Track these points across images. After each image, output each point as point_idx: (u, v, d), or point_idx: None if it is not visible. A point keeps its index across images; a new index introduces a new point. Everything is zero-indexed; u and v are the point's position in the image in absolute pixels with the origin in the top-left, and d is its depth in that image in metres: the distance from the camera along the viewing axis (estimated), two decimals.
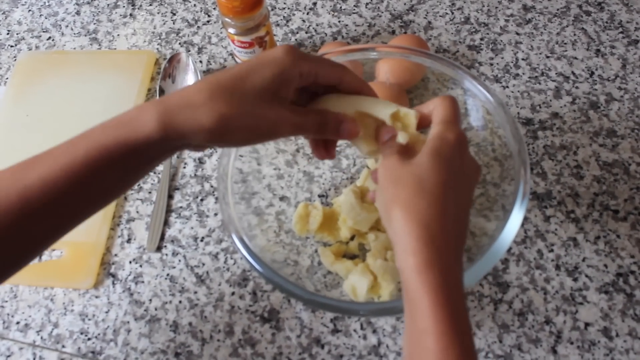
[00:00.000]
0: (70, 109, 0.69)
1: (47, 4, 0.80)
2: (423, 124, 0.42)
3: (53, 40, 0.77)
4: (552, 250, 0.56)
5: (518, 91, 0.66)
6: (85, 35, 0.76)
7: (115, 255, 0.59)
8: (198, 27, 0.75)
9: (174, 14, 0.77)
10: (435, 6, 0.74)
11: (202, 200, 0.62)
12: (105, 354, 0.54)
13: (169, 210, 0.61)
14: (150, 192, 0.63)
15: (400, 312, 0.44)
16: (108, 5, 0.79)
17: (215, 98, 0.36)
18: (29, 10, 0.80)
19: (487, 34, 0.71)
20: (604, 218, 0.57)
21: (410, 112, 0.41)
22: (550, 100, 0.65)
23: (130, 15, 0.78)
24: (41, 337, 0.55)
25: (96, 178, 0.36)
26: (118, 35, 0.76)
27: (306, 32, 0.73)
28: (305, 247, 0.56)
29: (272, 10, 0.76)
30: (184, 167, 0.64)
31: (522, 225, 0.45)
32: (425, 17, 0.73)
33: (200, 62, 0.72)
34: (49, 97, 0.70)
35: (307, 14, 0.75)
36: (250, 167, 0.55)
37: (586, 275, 0.54)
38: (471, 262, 0.45)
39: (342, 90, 0.42)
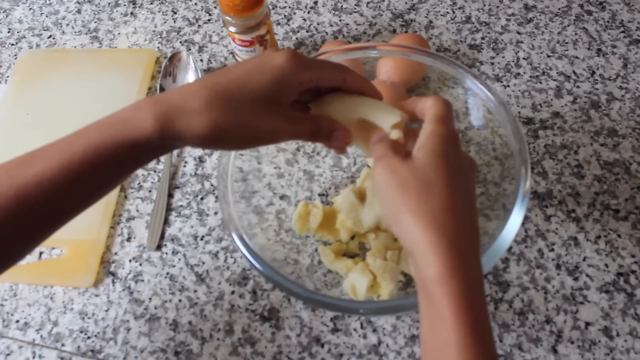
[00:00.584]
0: (71, 108, 0.69)
1: (48, 2, 0.80)
2: (417, 117, 0.42)
3: (54, 38, 0.77)
4: (552, 250, 0.56)
5: (519, 90, 0.66)
6: (86, 34, 0.76)
7: (115, 253, 0.59)
8: (199, 25, 0.75)
9: (175, 13, 0.77)
10: (436, 5, 0.74)
11: (202, 199, 0.61)
12: (105, 353, 0.54)
13: (169, 209, 0.61)
14: (150, 191, 0.62)
15: (401, 311, 0.44)
16: (109, 3, 0.79)
17: (211, 106, 0.36)
18: (30, 9, 0.80)
19: (488, 33, 0.71)
20: (605, 217, 0.57)
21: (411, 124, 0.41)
22: (551, 100, 0.65)
23: (131, 13, 0.78)
24: (41, 336, 0.55)
25: (92, 175, 0.36)
26: (119, 33, 0.76)
27: (307, 31, 0.73)
28: (305, 245, 0.56)
29: (273, 9, 0.76)
30: (184, 166, 0.64)
31: (523, 224, 0.45)
32: (426, 16, 0.73)
33: (201, 60, 0.72)
34: (49, 96, 0.70)
35: (308, 12, 0.75)
36: (250, 166, 0.55)
37: (587, 275, 0.54)
38: None
39: (346, 90, 0.42)
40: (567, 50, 0.69)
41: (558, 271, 0.54)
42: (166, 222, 0.60)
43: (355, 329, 0.53)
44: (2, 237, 0.35)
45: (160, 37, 0.75)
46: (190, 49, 0.73)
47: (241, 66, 0.38)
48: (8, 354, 0.54)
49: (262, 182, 0.58)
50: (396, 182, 0.36)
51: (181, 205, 0.61)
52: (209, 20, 0.76)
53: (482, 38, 0.71)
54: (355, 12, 0.75)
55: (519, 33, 0.71)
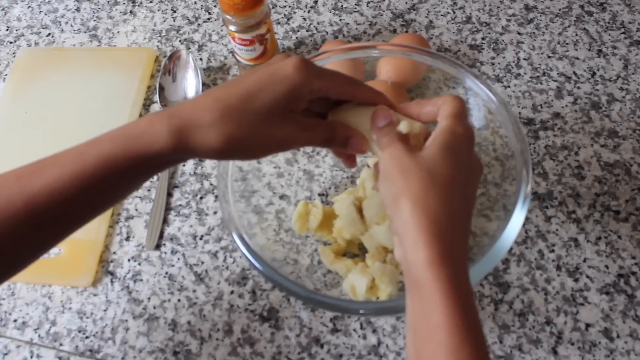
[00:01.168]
0: (70, 106, 0.69)
1: (46, 0, 0.80)
2: (426, 119, 0.41)
3: (52, 36, 0.76)
4: (553, 251, 0.55)
5: (519, 91, 0.66)
6: (85, 32, 0.76)
7: (114, 253, 0.59)
8: (198, 24, 0.75)
9: (175, 11, 0.77)
10: (436, 5, 0.74)
11: (201, 198, 0.61)
12: (103, 353, 0.53)
13: (168, 208, 0.61)
14: (149, 190, 0.62)
15: (401, 311, 0.43)
16: (108, 2, 0.79)
17: (225, 119, 0.36)
18: (29, 7, 0.80)
19: (489, 33, 0.71)
20: (605, 219, 0.57)
21: (422, 130, 0.41)
22: (552, 101, 0.65)
23: (130, 12, 0.77)
24: (39, 335, 0.54)
25: (103, 187, 0.36)
26: (118, 32, 0.76)
27: (307, 30, 0.73)
28: (305, 245, 0.56)
29: (273, 8, 0.76)
30: (184, 165, 0.63)
31: (523, 225, 0.45)
32: (426, 16, 0.73)
33: (201, 59, 0.72)
34: (48, 94, 0.70)
35: (308, 12, 0.75)
36: (250, 166, 0.55)
37: (587, 276, 0.54)
38: (472, 262, 0.44)
39: (357, 101, 0.42)
40: (568, 51, 0.69)
41: (558, 272, 0.54)
42: (165, 221, 0.60)
43: (355, 330, 0.53)
44: (12, 245, 0.35)
45: (160, 36, 0.74)
46: (189, 48, 0.73)
47: (251, 76, 0.38)
48: (6, 354, 0.54)
49: (261, 181, 0.57)
50: (399, 167, 0.36)
51: (180, 205, 0.61)
52: (208, 18, 0.76)
53: (483, 38, 0.71)
54: (355, 11, 0.75)
55: (519, 33, 0.71)
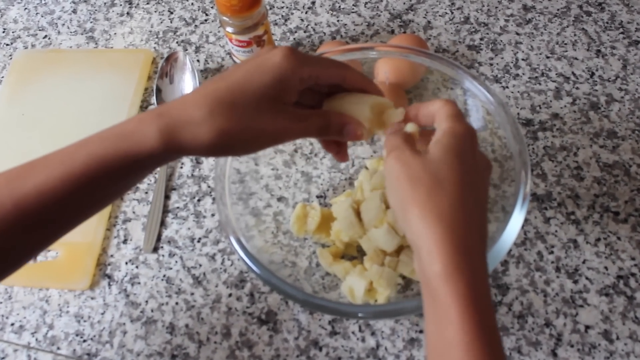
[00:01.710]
0: (67, 108, 0.68)
1: (43, 2, 0.80)
2: (421, 122, 0.41)
3: (49, 38, 0.76)
4: (552, 252, 0.55)
5: (518, 92, 0.66)
6: (82, 34, 0.76)
7: (111, 256, 0.58)
8: (195, 25, 0.75)
9: (172, 13, 0.76)
10: (434, 6, 0.74)
11: (199, 200, 0.61)
12: (101, 356, 0.53)
13: (165, 211, 0.60)
14: (146, 193, 0.62)
15: (400, 315, 0.43)
16: (105, 3, 0.79)
17: (214, 113, 0.35)
18: (25, 9, 0.79)
19: (487, 34, 0.71)
20: (605, 220, 0.57)
21: (396, 111, 0.41)
22: (551, 101, 0.65)
23: (127, 13, 0.77)
24: (36, 339, 0.54)
25: (94, 187, 0.36)
26: (115, 33, 0.75)
27: (305, 31, 0.73)
28: (303, 248, 0.56)
29: (271, 9, 0.75)
30: (181, 167, 0.63)
31: (522, 226, 0.45)
32: (424, 17, 0.73)
33: (198, 61, 0.71)
34: (45, 96, 0.70)
35: (306, 12, 0.75)
36: (247, 168, 0.55)
37: (586, 278, 0.54)
38: None
39: (347, 88, 0.42)
40: (566, 51, 0.69)
41: (557, 274, 0.54)
42: (163, 224, 0.60)
43: (353, 332, 0.52)
44: (2, 247, 0.35)
45: (157, 37, 0.74)
46: (187, 50, 0.73)
47: (239, 68, 0.37)
48: (3, 358, 0.53)
49: (259, 183, 0.57)
50: (406, 175, 0.35)
51: (178, 207, 0.61)
52: (205, 20, 0.75)
53: (481, 39, 0.70)
54: (353, 12, 0.74)
55: (517, 34, 0.71)
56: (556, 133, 0.62)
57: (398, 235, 0.50)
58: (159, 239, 0.59)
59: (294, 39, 0.72)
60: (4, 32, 0.77)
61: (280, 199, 0.58)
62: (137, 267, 0.57)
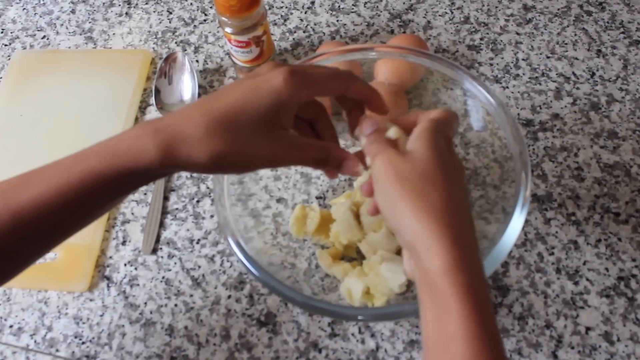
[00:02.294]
0: (65, 109, 0.68)
1: (41, 2, 0.80)
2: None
3: (48, 39, 0.76)
4: (552, 254, 0.55)
5: (518, 92, 0.65)
6: (81, 34, 0.76)
7: (110, 257, 0.58)
8: (194, 26, 0.75)
9: (170, 13, 0.76)
10: (434, 5, 0.74)
11: (198, 201, 0.61)
12: (100, 358, 0.53)
13: (164, 212, 0.60)
14: (145, 194, 0.62)
15: (399, 317, 0.43)
16: (103, 3, 0.78)
17: (210, 135, 0.35)
18: (24, 9, 0.79)
19: (487, 33, 0.71)
20: (605, 221, 0.56)
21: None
22: (551, 101, 0.64)
23: (126, 14, 0.77)
24: (35, 341, 0.54)
25: (89, 200, 0.36)
26: (114, 34, 0.75)
27: (304, 32, 0.73)
28: (302, 249, 0.56)
29: (270, 9, 0.75)
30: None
31: (522, 227, 0.45)
32: (424, 17, 0.73)
33: (197, 61, 0.71)
34: (43, 97, 0.69)
35: (305, 12, 0.74)
36: None
37: (587, 279, 0.54)
38: None
39: (350, 98, 0.42)
40: (567, 51, 0.68)
41: (558, 275, 0.54)
42: (162, 225, 0.59)
43: (353, 334, 0.52)
44: None
45: (156, 38, 0.74)
46: (186, 50, 0.72)
47: (237, 88, 0.37)
48: None
49: (258, 184, 0.57)
50: (394, 175, 0.35)
51: (177, 209, 0.60)
52: (204, 20, 0.75)
53: (481, 39, 0.70)
54: (352, 12, 0.74)
55: (518, 34, 0.70)
56: (556, 133, 0.62)
57: (397, 240, 0.50)
58: (157, 240, 0.59)
59: (293, 39, 0.72)
60: (2, 32, 0.77)
61: (279, 200, 0.58)
62: (136, 268, 0.57)
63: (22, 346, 0.54)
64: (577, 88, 0.65)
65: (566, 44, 0.69)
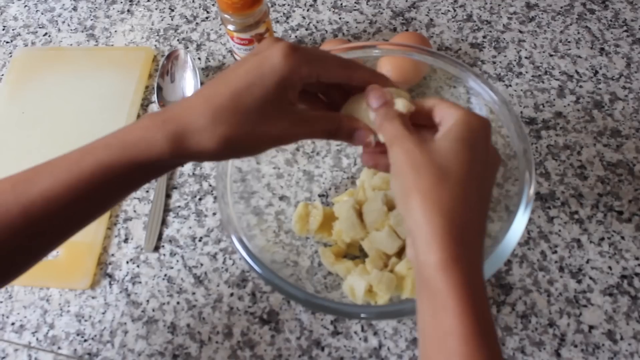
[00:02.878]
0: (67, 106, 0.68)
1: None
2: (420, 120, 0.40)
3: (49, 36, 0.75)
4: (555, 252, 0.55)
5: (521, 90, 0.65)
6: (82, 32, 0.75)
7: (112, 255, 0.58)
8: (197, 23, 0.74)
9: (172, 10, 0.76)
10: (437, 3, 0.74)
11: (200, 199, 0.61)
12: (102, 356, 0.53)
13: (166, 210, 0.60)
14: (147, 191, 0.62)
15: (402, 315, 0.43)
16: (105, 1, 0.78)
17: (216, 122, 0.35)
18: (25, 6, 0.79)
19: (490, 31, 0.70)
20: (608, 219, 0.56)
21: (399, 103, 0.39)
22: (554, 100, 0.64)
23: (128, 11, 0.77)
24: (37, 339, 0.54)
25: (99, 193, 0.36)
26: (115, 31, 0.75)
27: (306, 29, 0.72)
28: (305, 247, 0.56)
29: (272, 6, 0.75)
30: (182, 166, 0.63)
31: (525, 226, 0.44)
32: (427, 15, 0.73)
33: (199, 59, 0.71)
34: (45, 94, 0.69)
35: (308, 10, 0.74)
36: (249, 166, 0.54)
37: (590, 277, 0.54)
38: None
39: (355, 87, 0.41)
40: (570, 49, 0.68)
41: (561, 274, 0.54)
42: (164, 223, 0.59)
43: (355, 332, 0.52)
44: (8, 252, 0.35)
45: (158, 35, 0.74)
46: (188, 47, 0.72)
47: (238, 70, 0.37)
48: (3, 357, 0.53)
49: (261, 182, 0.57)
50: (412, 163, 0.34)
51: (179, 206, 0.60)
52: (207, 17, 0.75)
53: (484, 37, 0.70)
54: (355, 9, 0.74)
55: (520, 32, 0.70)
56: (559, 132, 0.62)
57: (399, 238, 0.50)
58: (160, 238, 0.59)
59: (296, 36, 0.72)
60: (4, 29, 0.77)
61: (282, 198, 0.58)
62: (138, 266, 0.57)
63: (24, 344, 0.54)
64: (580, 86, 0.65)
65: (569, 42, 0.69)
